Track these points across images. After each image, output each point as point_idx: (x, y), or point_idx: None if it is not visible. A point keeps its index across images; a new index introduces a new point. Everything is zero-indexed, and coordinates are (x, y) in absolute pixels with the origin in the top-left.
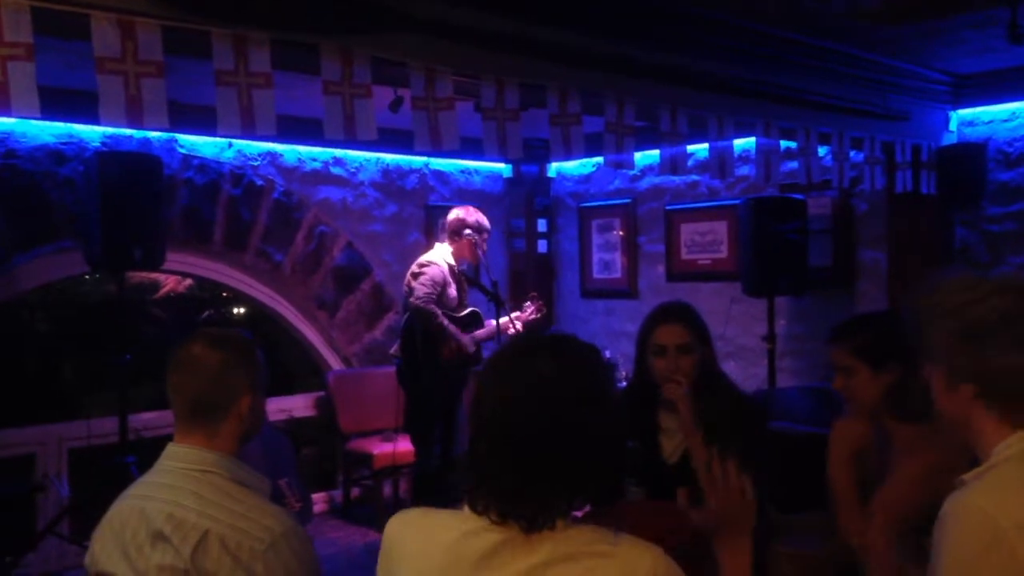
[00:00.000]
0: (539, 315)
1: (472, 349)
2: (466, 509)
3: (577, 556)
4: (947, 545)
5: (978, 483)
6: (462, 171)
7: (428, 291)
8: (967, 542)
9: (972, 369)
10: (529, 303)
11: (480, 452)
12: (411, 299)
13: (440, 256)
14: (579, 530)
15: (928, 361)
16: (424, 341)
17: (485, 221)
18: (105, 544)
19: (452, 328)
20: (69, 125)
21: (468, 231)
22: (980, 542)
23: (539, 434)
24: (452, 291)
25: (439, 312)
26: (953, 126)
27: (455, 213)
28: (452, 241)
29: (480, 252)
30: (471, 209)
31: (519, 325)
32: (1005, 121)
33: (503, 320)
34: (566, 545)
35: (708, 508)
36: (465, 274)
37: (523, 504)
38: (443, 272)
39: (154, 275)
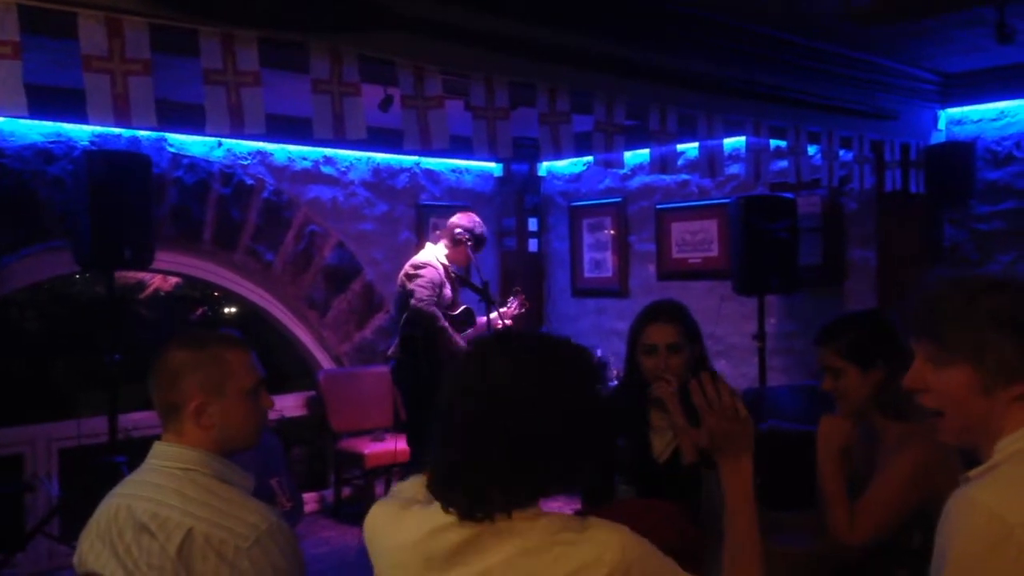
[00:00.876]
0: (523, 310)
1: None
2: (435, 503)
3: (545, 546)
4: (953, 542)
5: (984, 480)
6: (453, 170)
7: (429, 294)
8: (974, 539)
9: None
10: (513, 298)
11: (448, 452)
12: (413, 301)
13: (434, 257)
14: (548, 520)
15: (954, 362)
16: (425, 342)
17: (486, 233)
18: (93, 544)
19: (450, 332)
20: (58, 124)
21: (470, 241)
22: (988, 539)
23: (480, 433)
24: (448, 291)
25: (440, 315)
26: (942, 125)
27: (461, 220)
28: (450, 245)
29: (472, 258)
30: (477, 220)
31: (507, 321)
32: (993, 120)
33: (492, 317)
34: (534, 536)
35: (705, 429)
36: (457, 274)
37: (489, 504)
38: (439, 273)
39: (140, 275)
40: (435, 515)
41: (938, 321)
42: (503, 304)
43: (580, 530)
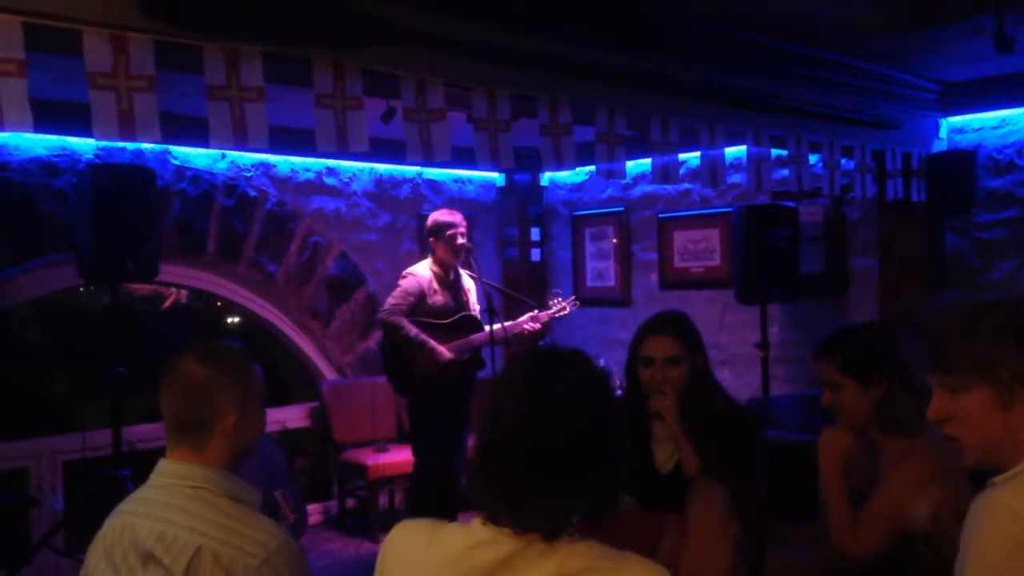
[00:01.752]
0: (569, 311)
1: (447, 355)
2: (475, 521)
3: (582, 571)
4: (977, 542)
5: (1010, 484)
6: (455, 180)
7: (395, 303)
8: (996, 540)
9: None
10: (560, 299)
11: (498, 464)
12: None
13: (424, 265)
14: (586, 545)
15: (969, 386)
16: (398, 352)
17: (445, 217)
18: (98, 561)
19: (421, 337)
20: (62, 137)
21: (432, 237)
22: (1009, 542)
23: (564, 451)
24: (437, 299)
25: (403, 323)
26: (943, 134)
27: (427, 221)
28: (429, 251)
29: (459, 249)
30: (433, 214)
31: (534, 325)
32: (994, 128)
33: (528, 315)
34: (572, 560)
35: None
36: (469, 275)
37: (542, 516)
38: (420, 282)
39: (161, 286)
40: (474, 531)
41: (945, 351)
42: (543, 307)
43: (618, 560)
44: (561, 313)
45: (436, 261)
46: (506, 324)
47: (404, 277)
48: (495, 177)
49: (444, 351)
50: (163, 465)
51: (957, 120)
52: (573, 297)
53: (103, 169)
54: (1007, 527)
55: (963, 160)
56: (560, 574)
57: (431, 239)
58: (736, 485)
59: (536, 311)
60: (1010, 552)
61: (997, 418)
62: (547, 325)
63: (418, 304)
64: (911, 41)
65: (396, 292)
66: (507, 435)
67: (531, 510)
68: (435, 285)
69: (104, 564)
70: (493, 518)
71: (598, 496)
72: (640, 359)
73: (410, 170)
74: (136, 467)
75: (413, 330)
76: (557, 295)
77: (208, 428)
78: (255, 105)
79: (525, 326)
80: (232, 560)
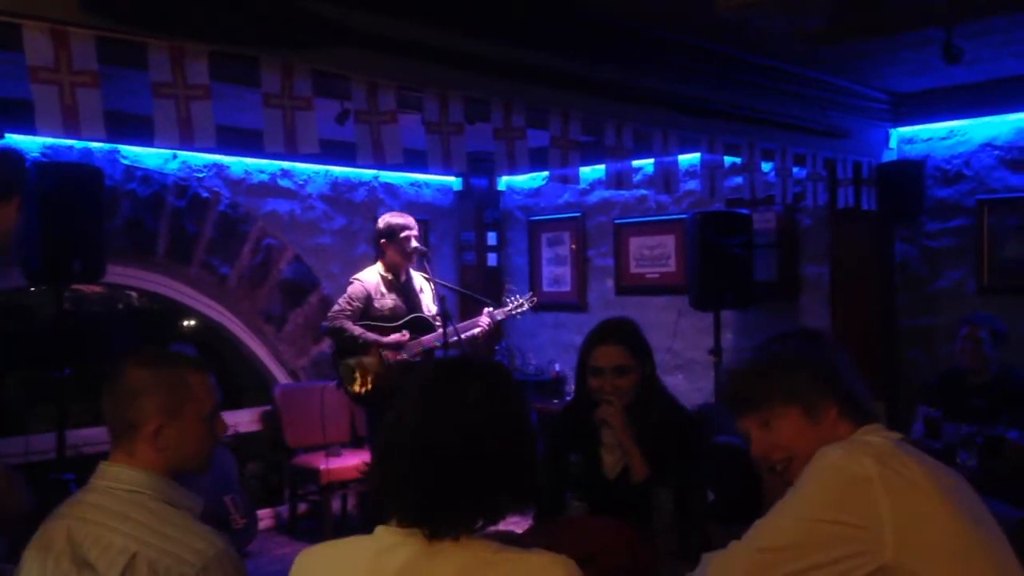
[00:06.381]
0: (528, 308)
1: (402, 338)
2: (378, 529)
3: (489, 563)
4: (801, 487)
5: (836, 446)
6: (412, 184)
7: (339, 309)
8: (818, 488)
9: (833, 395)
10: (516, 296)
11: (400, 466)
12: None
13: (372, 271)
14: (491, 540)
15: (778, 414)
16: (340, 355)
17: (397, 219)
18: (31, 565)
19: (367, 335)
20: (7, 135)
21: (384, 239)
22: (829, 493)
23: (466, 455)
24: (386, 302)
25: (346, 325)
26: (893, 143)
27: (377, 224)
28: (379, 254)
29: (410, 252)
30: (385, 216)
31: (486, 322)
32: (943, 139)
33: (485, 311)
34: (479, 553)
35: None
36: (423, 276)
37: (446, 517)
38: (365, 287)
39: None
40: (380, 537)
41: (749, 392)
42: (499, 306)
43: (523, 552)
44: (519, 310)
45: (385, 265)
46: (460, 325)
47: (351, 283)
48: (452, 181)
49: (394, 337)
50: (103, 468)
51: (907, 130)
52: (531, 294)
53: (49, 168)
54: (829, 477)
55: (912, 170)
56: (465, 567)
57: (382, 241)
58: (682, 490)
59: (491, 308)
60: (827, 504)
61: (810, 432)
62: (501, 328)
63: (365, 308)
64: (861, 52)
65: (340, 299)
66: (410, 437)
67: (434, 511)
68: (382, 289)
69: (37, 568)
70: (399, 521)
71: (504, 499)
72: (589, 369)
73: (366, 173)
74: (81, 471)
75: (357, 330)
76: (513, 292)
77: (133, 433)
78: (201, 104)
79: (480, 322)
80: (168, 568)
